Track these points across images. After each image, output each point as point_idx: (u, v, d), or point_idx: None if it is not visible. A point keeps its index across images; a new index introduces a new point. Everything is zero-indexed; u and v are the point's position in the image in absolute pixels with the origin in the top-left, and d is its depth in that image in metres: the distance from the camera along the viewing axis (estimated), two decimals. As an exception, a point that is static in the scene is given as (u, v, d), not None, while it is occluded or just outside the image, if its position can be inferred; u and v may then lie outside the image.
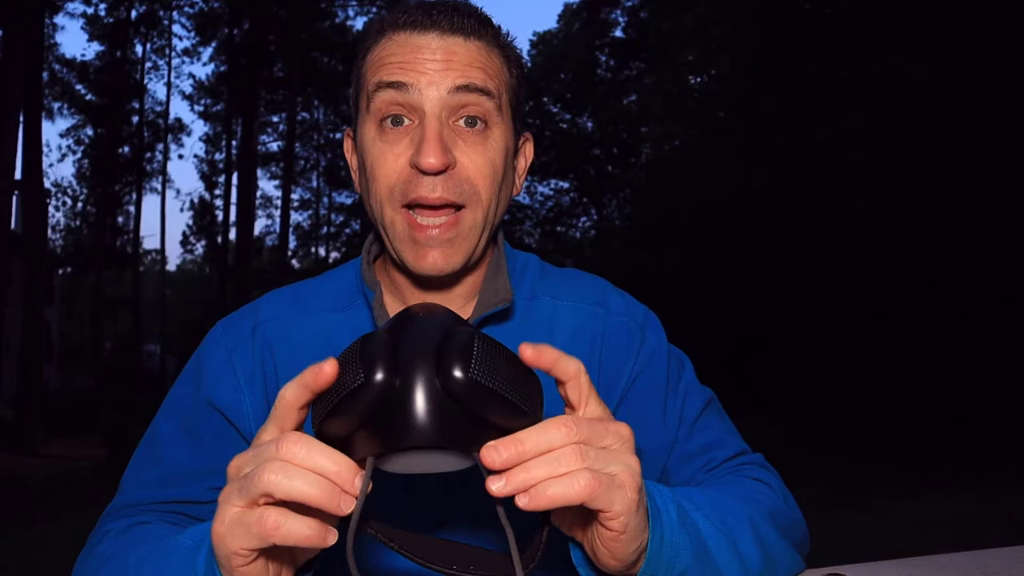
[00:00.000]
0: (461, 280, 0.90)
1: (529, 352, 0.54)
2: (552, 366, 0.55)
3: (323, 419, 0.54)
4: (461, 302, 0.91)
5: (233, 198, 28.54)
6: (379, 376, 0.52)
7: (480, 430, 0.54)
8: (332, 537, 0.54)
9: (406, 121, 0.82)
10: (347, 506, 0.53)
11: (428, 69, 0.80)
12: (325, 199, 36.14)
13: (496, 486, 0.53)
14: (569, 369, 0.56)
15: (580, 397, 0.58)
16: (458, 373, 0.51)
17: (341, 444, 0.55)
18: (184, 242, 35.90)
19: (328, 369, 0.53)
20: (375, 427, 0.53)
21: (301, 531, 0.52)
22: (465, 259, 0.84)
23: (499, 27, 0.88)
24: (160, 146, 31.88)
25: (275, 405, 0.56)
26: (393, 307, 0.92)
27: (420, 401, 0.52)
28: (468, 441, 0.54)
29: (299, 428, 0.57)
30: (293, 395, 0.55)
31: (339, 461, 0.53)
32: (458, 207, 0.82)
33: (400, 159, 0.81)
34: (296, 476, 0.52)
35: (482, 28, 0.84)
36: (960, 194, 11.96)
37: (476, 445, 0.54)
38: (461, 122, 0.82)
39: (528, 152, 0.95)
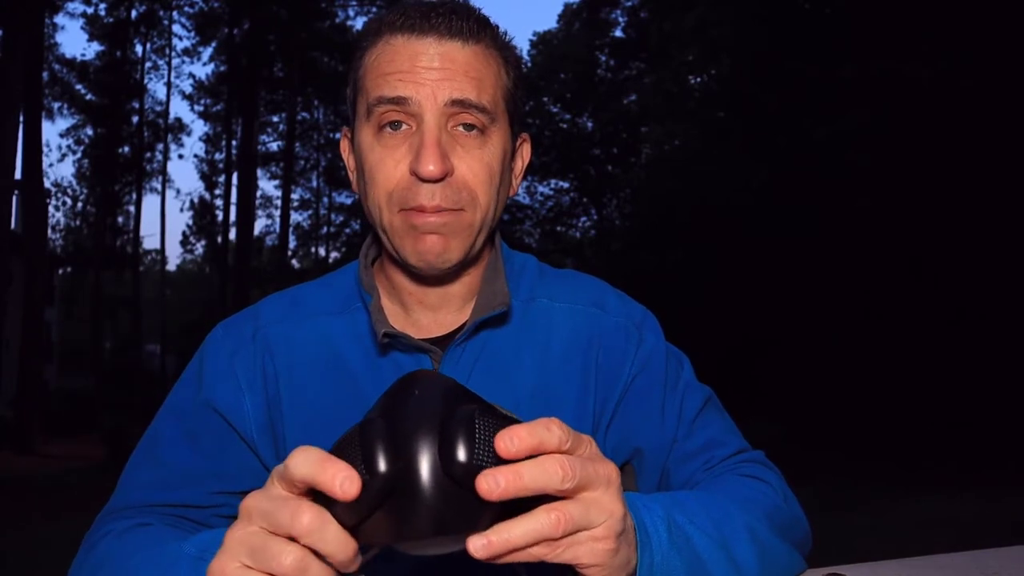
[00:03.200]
0: (459, 279, 0.90)
1: (503, 445, 0.51)
2: (533, 452, 0.53)
3: (333, 507, 0.53)
4: (459, 303, 0.91)
5: (233, 198, 28.58)
6: (382, 472, 0.51)
7: (489, 509, 0.53)
8: None
9: (404, 126, 0.82)
10: None
11: (426, 79, 0.80)
12: (325, 199, 36.18)
13: (476, 545, 0.51)
14: (551, 445, 0.53)
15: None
16: (462, 459, 0.51)
17: (351, 527, 0.54)
18: (184, 242, 35.94)
19: (353, 492, 0.50)
20: (382, 517, 0.53)
21: None
22: (462, 253, 0.84)
23: (497, 27, 0.88)
24: (160, 146, 31.92)
25: (286, 468, 0.53)
26: (392, 310, 0.92)
27: (426, 492, 0.51)
28: (478, 522, 0.53)
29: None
30: (303, 477, 0.52)
31: (348, 548, 0.52)
32: (456, 211, 0.82)
33: (400, 165, 0.81)
34: (312, 572, 0.52)
35: (481, 31, 0.84)
36: (960, 194, 11.97)
37: (481, 525, 0.53)
38: (459, 127, 0.82)
39: (525, 153, 0.95)
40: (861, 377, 13.66)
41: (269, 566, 0.52)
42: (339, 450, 0.53)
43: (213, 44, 30.39)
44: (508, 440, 0.51)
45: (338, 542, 0.52)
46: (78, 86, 29.68)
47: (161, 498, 0.85)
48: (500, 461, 0.51)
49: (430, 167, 0.78)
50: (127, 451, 0.94)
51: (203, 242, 35.55)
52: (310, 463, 0.51)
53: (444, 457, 0.51)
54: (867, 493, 7.86)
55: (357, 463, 0.52)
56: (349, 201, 34.52)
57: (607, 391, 0.91)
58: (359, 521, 0.53)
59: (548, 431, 0.53)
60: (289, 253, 33.47)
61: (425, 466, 0.51)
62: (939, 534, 5.42)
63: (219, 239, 32.72)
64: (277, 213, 32.93)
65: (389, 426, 0.53)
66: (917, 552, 0.93)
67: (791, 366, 15.07)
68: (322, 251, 37.35)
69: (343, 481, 0.50)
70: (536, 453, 0.53)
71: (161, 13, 29.81)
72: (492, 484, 0.50)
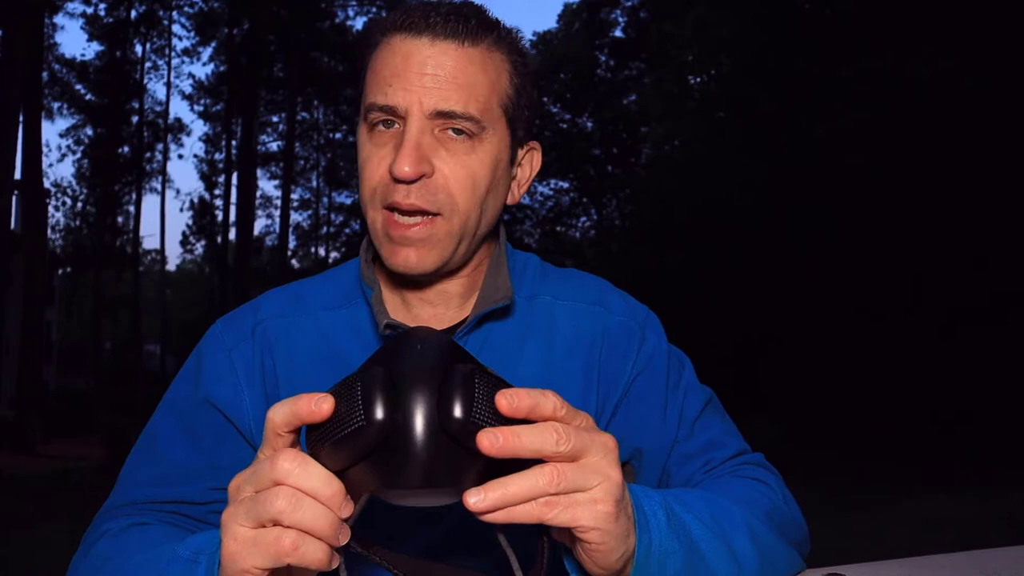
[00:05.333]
0: (454, 278, 0.90)
1: (504, 403, 0.54)
2: (530, 413, 0.55)
3: (319, 451, 0.55)
4: (459, 300, 0.91)
5: (233, 198, 28.59)
6: (379, 419, 0.52)
7: (477, 467, 0.54)
8: (336, 560, 0.57)
9: (395, 125, 0.83)
10: (344, 537, 0.55)
11: (414, 86, 0.80)
12: (325, 199, 36.20)
13: (474, 499, 0.53)
14: (546, 410, 0.56)
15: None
16: (459, 416, 0.52)
17: (336, 472, 0.55)
18: (184, 242, 35.92)
19: (326, 407, 0.53)
20: (371, 465, 0.54)
21: (316, 554, 0.54)
22: (440, 262, 0.84)
23: (508, 30, 0.87)
24: (160, 146, 31.93)
25: (265, 426, 0.57)
26: (392, 303, 0.92)
27: (419, 445, 0.52)
28: (465, 479, 0.54)
29: (293, 446, 0.58)
30: (282, 420, 0.55)
31: (331, 483, 0.54)
32: (433, 214, 0.82)
33: (383, 163, 0.82)
34: (304, 507, 0.53)
35: (482, 33, 0.83)
36: (960, 194, 11.97)
37: (473, 482, 0.54)
38: (448, 130, 0.82)
39: (535, 161, 0.95)
40: (861, 377, 13.66)
41: (267, 514, 0.53)
42: (338, 394, 0.54)
43: (213, 44, 30.42)
44: (509, 398, 0.54)
45: (320, 477, 0.54)
46: (78, 86, 29.72)
47: (159, 495, 0.85)
48: (496, 420, 0.53)
49: (405, 168, 0.79)
50: (127, 451, 0.94)
51: (203, 242, 35.55)
52: (284, 405, 0.55)
53: (442, 412, 0.52)
54: (867, 493, 7.87)
55: (355, 409, 0.53)
56: (349, 201, 34.54)
57: (609, 389, 0.91)
58: (348, 465, 0.54)
59: (544, 396, 0.56)
60: (289, 253, 33.51)
61: (421, 419, 0.52)
62: (939, 534, 5.43)
63: (219, 239, 32.75)
64: (277, 213, 32.96)
65: (389, 376, 0.54)
66: (917, 552, 0.93)
67: (791, 366, 15.06)
68: (322, 251, 37.40)
69: (316, 402, 0.53)
70: (533, 416, 0.55)
71: (161, 13, 29.83)
72: (492, 439, 0.52)
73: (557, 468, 0.55)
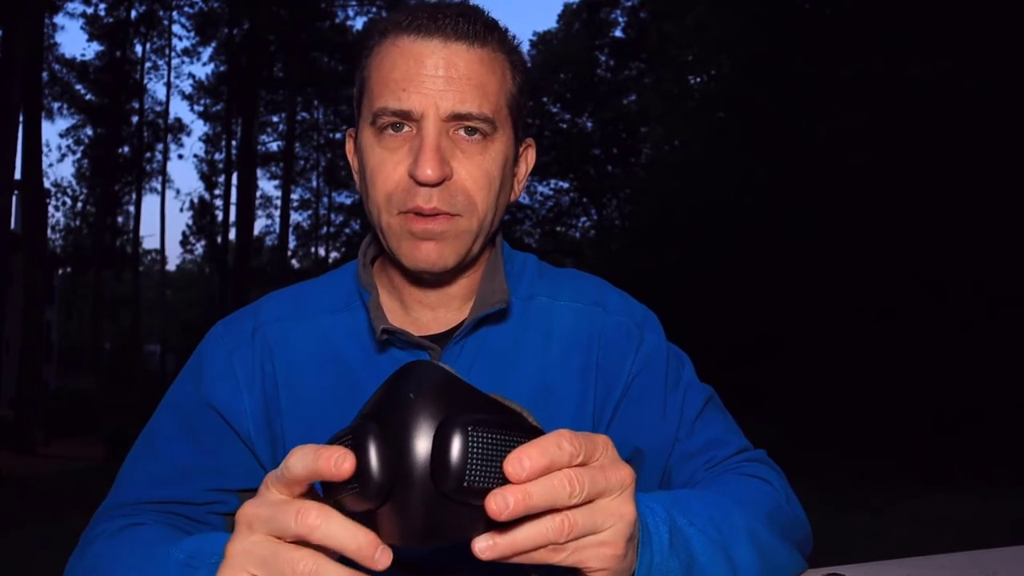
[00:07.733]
0: (456, 280, 0.90)
1: (513, 471, 0.51)
2: (544, 472, 0.52)
3: (328, 500, 0.54)
4: (459, 303, 0.91)
5: (233, 198, 28.57)
6: (373, 485, 0.51)
7: (484, 520, 0.52)
8: None
9: (405, 128, 0.82)
10: None
11: (429, 89, 0.80)
12: (325, 199, 36.20)
13: (481, 547, 0.52)
14: (562, 462, 0.53)
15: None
16: (453, 483, 0.50)
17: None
18: (184, 242, 35.94)
19: (347, 467, 0.50)
20: (373, 518, 0.53)
21: None
22: (458, 258, 0.85)
23: (505, 30, 0.88)
24: (160, 146, 31.94)
25: (285, 469, 0.54)
26: (391, 307, 0.92)
27: (416, 509, 0.51)
28: (470, 531, 0.53)
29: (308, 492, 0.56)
30: (303, 472, 0.52)
31: (358, 536, 0.51)
32: (454, 215, 0.82)
33: (399, 168, 0.82)
34: (330, 570, 0.51)
35: (487, 34, 0.84)
36: (961, 194, 11.96)
37: (480, 530, 0.53)
38: (461, 131, 0.82)
39: (530, 158, 0.96)
40: (861, 377, 13.66)
41: (283, 574, 0.51)
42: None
43: (213, 44, 30.44)
44: (518, 465, 0.51)
45: (346, 531, 0.51)
46: (78, 86, 29.74)
47: (157, 495, 0.86)
48: (497, 476, 0.51)
49: (428, 171, 0.78)
50: (127, 451, 0.94)
51: (203, 242, 35.56)
52: (305, 457, 0.52)
53: (436, 477, 0.50)
54: (867, 493, 7.88)
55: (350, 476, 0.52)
56: (349, 201, 34.55)
57: (607, 390, 0.91)
58: (353, 515, 0.53)
59: (559, 449, 0.53)
60: (289, 253, 33.51)
61: (417, 482, 0.51)
62: (939, 534, 5.44)
63: (219, 239, 32.75)
64: (277, 213, 32.96)
65: (382, 433, 0.52)
66: (917, 552, 0.93)
67: (791, 366, 15.06)
68: (322, 251, 37.42)
69: (336, 461, 0.50)
70: (547, 472, 0.52)
71: (161, 13, 29.85)
72: (502, 505, 0.50)
73: (568, 517, 0.54)
